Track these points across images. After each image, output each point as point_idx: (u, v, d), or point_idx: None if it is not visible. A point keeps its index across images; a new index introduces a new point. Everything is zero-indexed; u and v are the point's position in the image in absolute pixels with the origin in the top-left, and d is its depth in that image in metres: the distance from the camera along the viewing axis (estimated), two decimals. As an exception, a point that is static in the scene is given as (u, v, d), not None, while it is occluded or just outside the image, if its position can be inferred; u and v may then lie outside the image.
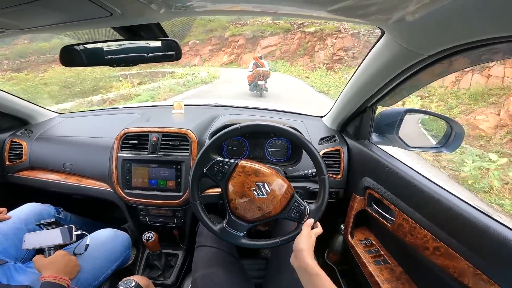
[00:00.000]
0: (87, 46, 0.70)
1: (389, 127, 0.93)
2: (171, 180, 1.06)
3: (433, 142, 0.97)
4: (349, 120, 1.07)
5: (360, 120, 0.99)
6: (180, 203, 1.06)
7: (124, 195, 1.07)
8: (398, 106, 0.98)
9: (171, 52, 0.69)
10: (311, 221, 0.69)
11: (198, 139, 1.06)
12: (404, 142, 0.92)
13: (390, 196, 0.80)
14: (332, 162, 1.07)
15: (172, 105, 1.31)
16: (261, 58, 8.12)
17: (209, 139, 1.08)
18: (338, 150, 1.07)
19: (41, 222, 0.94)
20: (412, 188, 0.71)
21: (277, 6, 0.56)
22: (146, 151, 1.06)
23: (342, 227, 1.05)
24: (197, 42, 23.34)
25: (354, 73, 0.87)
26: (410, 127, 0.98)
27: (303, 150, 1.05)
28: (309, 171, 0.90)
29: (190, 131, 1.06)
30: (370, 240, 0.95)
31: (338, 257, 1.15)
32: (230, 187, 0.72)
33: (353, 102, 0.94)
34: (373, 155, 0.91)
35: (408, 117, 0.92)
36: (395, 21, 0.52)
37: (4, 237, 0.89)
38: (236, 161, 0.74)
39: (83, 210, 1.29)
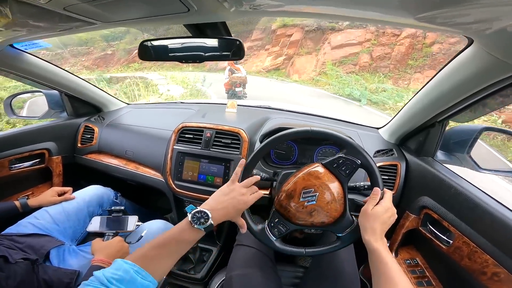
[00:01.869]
0: (155, 43, 0.75)
1: (460, 145, 0.86)
2: (218, 176, 1.09)
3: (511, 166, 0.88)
4: (411, 134, 1.00)
5: (426, 135, 0.92)
6: None
7: (174, 186, 1.11)
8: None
9: (227, 52, 0.72)
10: (390, 193, 0.67)
11: (250, 139, 1.08)
12: (476, 163, 0.85)
13: (451, 218, 0.76)
14: (387, 177, 1.01)
15: (226, 104, 1.35)
16: (236, 63, 6.95)
17: (260, 142, 1.09)
18: (395, 165, 1.00)
19: (112, 208, 0.99)
20: (480, 211, 0.68)
21: (359, 11, 0.53)
22: (200, 146, 1.10)
23: (387, 244, 1.00)
24: (233, 36, 12.32)
25: (425, 84, 0.82)
26: (479, 147, 0.90)
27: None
28: (361, 183, 0.85)
29: (242, 131, 1.08)
30: (416, 260, 0.92)
31: None
32: (294, 223, 0.72)
33: (421, 115, 0.88)
34: (437, 173, 0.85)
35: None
36: (493, 32, 0.48)
37: (66, 218, 0.93)
38: (273, 209, 0.74)
39: (133, 196, 1.37)
